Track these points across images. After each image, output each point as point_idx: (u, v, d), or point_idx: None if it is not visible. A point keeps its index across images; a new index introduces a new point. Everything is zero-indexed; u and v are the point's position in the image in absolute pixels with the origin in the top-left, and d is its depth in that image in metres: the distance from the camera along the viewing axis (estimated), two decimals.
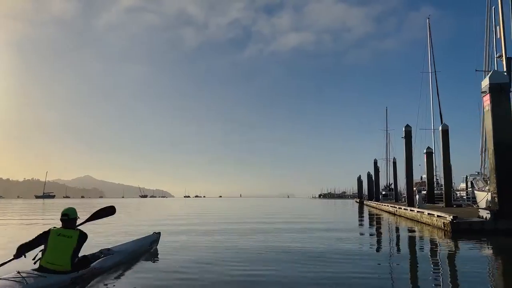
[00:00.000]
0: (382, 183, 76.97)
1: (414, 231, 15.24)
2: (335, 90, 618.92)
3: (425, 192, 36.63)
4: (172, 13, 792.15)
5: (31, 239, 5.84)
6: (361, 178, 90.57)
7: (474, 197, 35.81)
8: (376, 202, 42.96)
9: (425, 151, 35.11)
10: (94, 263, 6.30)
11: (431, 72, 45.89)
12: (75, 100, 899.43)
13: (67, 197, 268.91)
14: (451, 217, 12.89)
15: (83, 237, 5.94)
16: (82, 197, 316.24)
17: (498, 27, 25.97)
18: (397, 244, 12.09)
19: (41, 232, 5.89)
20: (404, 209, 22.80)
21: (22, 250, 5.71)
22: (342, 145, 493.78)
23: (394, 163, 46.24)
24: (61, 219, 6.04)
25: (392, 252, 10.18)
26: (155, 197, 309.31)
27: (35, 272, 5.33)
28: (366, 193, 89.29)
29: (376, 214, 28.02)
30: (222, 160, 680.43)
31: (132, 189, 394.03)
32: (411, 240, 12.61)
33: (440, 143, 24.29)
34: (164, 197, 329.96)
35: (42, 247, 5.77)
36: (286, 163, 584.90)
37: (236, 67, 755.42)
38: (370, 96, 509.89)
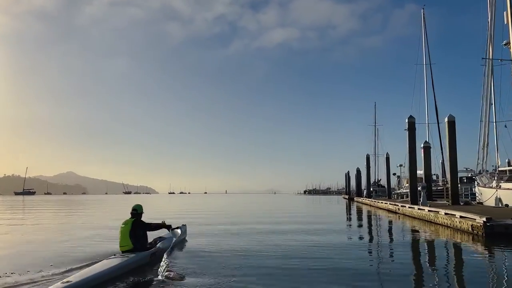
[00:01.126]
0: (370, 179, 75.60)
1: (432, 234, 13.19)
2: (321, 88, 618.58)
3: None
4: (157, 7, 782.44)
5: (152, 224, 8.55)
6: (349, 174, 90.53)
7: (473, 194, 34.39)
8: (369, 199, 41.02)
9: (422, 145, 33.31)
10: (157, 244, 8.36)
11: (425, 64, 44.25)
12: (58, 95, 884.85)
13: (48, 193, 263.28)
14: (484, 218, 10.82)
15: (137, 223, 7.70)
16: (64, 193, 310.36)
17: (505, 13, 24.48)
18: (423, 254, 10.02)
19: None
20: (409, 207, 20.82)
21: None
22: (327, 142, 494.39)
23: (387, 159, 44.45)
24: (131, 213, 7.89)
25: (425, 269, 8.08)
26: (139, 193, 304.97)
27: (121, 255, 7.13)
28: (354, 189, 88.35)
29: (374, 213, 26.03)
30: (207, 157, 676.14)
31: (116, 185, 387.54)
32: (440, 250, 10.38)
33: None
34: (148, 193, 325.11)
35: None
36: (271, 159, 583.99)
37: (222, 63, 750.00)
38: (357, 93, 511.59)
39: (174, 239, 9.54)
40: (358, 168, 71.31)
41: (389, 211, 26.09)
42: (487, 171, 36.93)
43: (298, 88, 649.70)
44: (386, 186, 65.98)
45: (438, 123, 42.02)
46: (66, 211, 33.03)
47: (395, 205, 24.62)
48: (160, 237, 9.21)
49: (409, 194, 23.94)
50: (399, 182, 68.43)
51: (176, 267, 6.98)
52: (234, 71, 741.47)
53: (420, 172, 50.29)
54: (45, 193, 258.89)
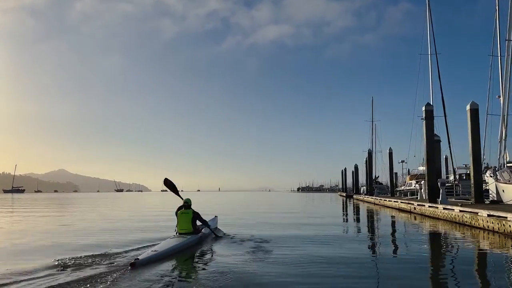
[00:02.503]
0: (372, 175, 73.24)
1: (480, 242, 10.63)
2: (315, 85, 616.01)
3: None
4: (149, 3, 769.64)
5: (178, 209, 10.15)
6: (346, 171, 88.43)
7: (487, 190, 32.01)
8: (373, 197, 38.45)
9: None
10: (202, 230, 10.37)
11: (430, 54, 41.72)
12: (50, 92, 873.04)
13: (38, 191, 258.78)
14: None
15: (195, 213, 9.98)
16: (55, 191, 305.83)
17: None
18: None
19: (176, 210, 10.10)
20: (429, 206, 18.30)
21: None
22: (320, 139, 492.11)
23: (390, 154, 41.97)
24: (183, 205, 10.08)
25: None
26: (132, 191, 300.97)
27: (181, 235, 9.40)
28: (351, 186, 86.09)
29: (385, 214, 23.50)
30: (200, 154, 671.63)
31: (108, 183, 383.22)
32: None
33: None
34: (141, 191, 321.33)
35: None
36: (264, 157, 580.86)
37: (215, 60, 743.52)
38: (351, 90, 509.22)
39: (213, 228, 11.16)
40: (356, 164, 69.11)
41: (400, 210, 23.59)
42: (494, 167, 34.70)
43: (291, 85, 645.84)
44: (384, 184, 64.25)
45: (445, 115, 39.59)
46: (48, 210, 30.19)
47: (408, 203, 22.09)
48: (201, 224, 10.56)
49: (426, 192, 21.33)
50: (397, 179, 66.72)
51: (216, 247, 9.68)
52: (227, 68, 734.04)
53: (422, 168, 48.16)
54: (35, 191, 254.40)
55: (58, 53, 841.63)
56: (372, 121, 78.69)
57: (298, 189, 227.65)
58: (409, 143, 43.02)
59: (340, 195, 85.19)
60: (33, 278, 6.22)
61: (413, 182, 45.98)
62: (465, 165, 36.35)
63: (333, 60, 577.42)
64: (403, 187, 48.45)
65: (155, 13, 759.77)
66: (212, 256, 8.55)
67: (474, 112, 19.50)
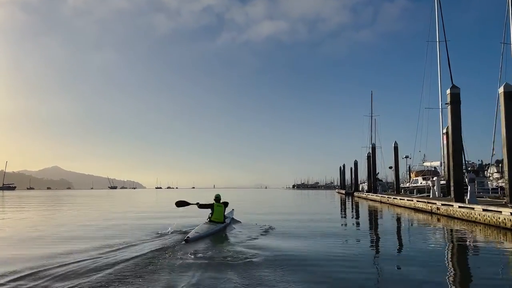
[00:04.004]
0: (365, 173, 70.39)
1: None
2: (311, 82, 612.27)
3: (443, 181, 29.74)
4: None
5: (207, 204, 12.45)
6: (345, 167, 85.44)
7: (485, 190, 29.35)
8: (379, 195, 35.37)
9: (444, 130, 27.98)
10: (226, 219, 12.64)
11: (439, 41, 38.75)
12: (43, 88, 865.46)
13: (31, 188, 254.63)
14: None
15: (225, 205, 12.69)
16: (48, 188, 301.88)
17: None
18: None
19: (210, 204, 12.30)
20: (459, 206, 15.32)
21: (200, 206, 12.37)
22: (316, 136, 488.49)
23: (396, 148, 39.00)
24: (214, 199, 12.37)
25: None
26: (126, 188, 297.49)
27: (212, 222, 11.68)
28: (349, 183, 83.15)
29: (400, 215, 20.49)
30: (195, 151, 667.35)
31: (102, 180, 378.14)
32: None
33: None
34: (135, 188, 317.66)
35: (208, 210, 12.34)
36: (259, 154, 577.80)
37: (209, 56, 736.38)
38: (347, 87, 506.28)
39: (231, 218, 14.09)
40: (355, 160, 66.21)
41: (416, 210, 20.60)
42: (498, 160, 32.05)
43: (287, 81, 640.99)
44: (384, 181, 61.41)
45: None
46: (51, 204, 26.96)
47: (428, 203, 19.10)
48: (224, 214, 12.69)
49: (451, 189, 18.26)
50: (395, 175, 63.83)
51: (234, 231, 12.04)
52: (221, 64, 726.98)
53: (428, 164, 45.25)
54: (27, 188, 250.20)
55: (50, 48, 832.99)
56: (372, 115, 76.05)
57: (294, 186, 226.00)
58: (408, 138, 40.52)
59: (339, 193, 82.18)
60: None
61: (419, 178, 43.21)
62: (468, 161, 33.79)
63: (329, 57, 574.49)
64: (408, 184, 45.61)
65: (149, 8, 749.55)
66: (234, 236, 10.92)
67: (509, 96, 16.49)
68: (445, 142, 28.25)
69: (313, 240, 10.24)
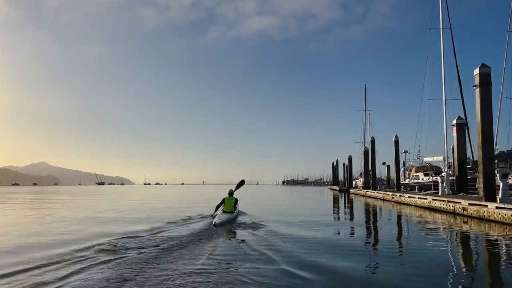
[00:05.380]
0: (356, 170, 67.99)
1: None
2: (301, 78, 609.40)
3: (453, 177, 27.13)
4: None
5: (220, 203, 14.84)
6: (338, 163, 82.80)
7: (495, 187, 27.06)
8: (383, 192, 32.49)
9: (455, 121, 25.34)
10: (236, 210, 14.91)
11: (443, 28, 36.14)
12: (29, 82, 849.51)
13: (16, 184, 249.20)
14: None
15: (236, 200, 15.04)
16: (34, 184, 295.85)
17: None
18: None
19: (222, 199, 14.87)
20: (497, 207, 12.54)
21: (217, 209, 14.75)
22: (305, 132, 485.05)
23: (396, 142, 36.36)
24: (228, 193, 15.20)
25: None
26: (114, 184, 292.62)
27: (225, 212, 14.08)
28: (342, 179, 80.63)
29: (420, 217, 17.73)
30: (184, 147, 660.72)
31: (90, 176, 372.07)
32: None
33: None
34: (123, 184, 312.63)
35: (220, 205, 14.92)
36: (249, 150, 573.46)
37: (198, 51, 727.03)
38: (338, 84, 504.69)
39: (238, 210, 15.66)
40: (350, 156, 63.71)
41: (433, 210, 17.87)
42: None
43: (277, 78, 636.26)
44: (378, 177, 58.86)
45: (462, 97, 34.20)
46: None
47: (449, 202, 16.34)
48: (235, 206, 15.07)
49: (481, 186, 15.44)
50: (389, 172, 61.45)
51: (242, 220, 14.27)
52: (210, 59, 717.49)
53: (429, 159, 42.51)
54: (12, 184, 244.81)
55: (37, 42, 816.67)
56: (365, 110, 73.50)
57: (283, 182, 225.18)
58: (403, 133, 37.72)
59: (331, 189, 79.60)
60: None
61: (421, 174, 40.63)
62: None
63: (320, 53, 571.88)
64: (407, 180, 43.02)
65: (137, 2, 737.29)
66: (244, 222, 13.48)
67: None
68: (455, 134, 25.57)
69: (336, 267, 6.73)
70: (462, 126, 25.41)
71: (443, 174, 26.24)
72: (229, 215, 13.75)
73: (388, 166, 60.03)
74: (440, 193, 24.24)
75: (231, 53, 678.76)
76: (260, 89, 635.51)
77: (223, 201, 14.76)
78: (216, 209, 14.76)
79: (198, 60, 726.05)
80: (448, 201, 16.40)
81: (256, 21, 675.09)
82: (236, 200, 15.19)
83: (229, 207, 14.53)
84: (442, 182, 24.95)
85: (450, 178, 26.00)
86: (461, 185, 24.76)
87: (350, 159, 63.23)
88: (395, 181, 38.33)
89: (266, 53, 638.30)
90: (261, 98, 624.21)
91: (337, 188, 70.76)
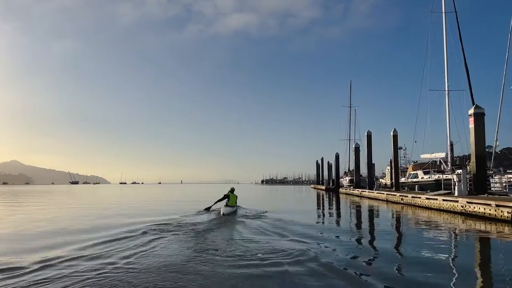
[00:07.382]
0: (342, 167, 64.72)
1: None
2: (280, 77, 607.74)
3: (468, 175, 23.64)
4: None
5: (222, 197, 17.75)
6: (322, 161, 79.22)
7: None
8: (386, 193, 28.56)
9: (471, 111, 21.83)
10: (237, 205, 17.72)
11: (445, 12, 32.82)
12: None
13: None
14: None
15: (236, 197, 17.78)
16: (5, 183, 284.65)
17: None
18: None
19: (225, 195, 17.61)
20: None
21: (216, 203, 17.90)
22: (283, 131, 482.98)
23: (395, 137, 32.67)
24: (230, 191, 17.71)
25: None
26: (89, 183, 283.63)
27: (228, 206, 16.73)
28: (326, 178, 77.15)
29: (447, 223, 13.95)
30: (160, 146, 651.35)
31: (64, 175, 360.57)
32: None
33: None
34: (98, 183, 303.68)
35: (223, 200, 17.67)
36: (226, 149, 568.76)
37: (175, 49, 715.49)
38: (318, 82, 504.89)
39: (237, 205, 17.98)
40: (337, 153, 60.18)
41: (468, 215, 14.10)
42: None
43: (255, 76, 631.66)
44: (364, 175, 55.22)
45: (470, 87, 30.83)
46: None
47: (486, 205, 12.53)
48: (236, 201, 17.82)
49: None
50: (374, 170, 58.06)
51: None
52: (188, 57, 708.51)
53: (427, 155, 38.72)
54: None
55: (7, 37, 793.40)
56: (350, 106, 70.24)
57: (262, 181, 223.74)
58: (388, 129, 34.02)
59: (315, 188, 76.18)
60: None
61: (420, 172, 37.19)
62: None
63: (300, 52, 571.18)
64: (403, 179, 39.53)
65: None
66: (243, 213, 16.20)
67: None
68: (472, 125, 22.06)
69: None
70: (480, 116, 21.85)
71: (460, 171, 22.65)
72: (232, 208, 16.65)
73: (374, 164, 56.91)
74: (456, 194, 20.70)
75: (209, 51, 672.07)
76: (238, 87, 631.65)
77: (226, 197, 17.55)
78: (216, 203, 17.92)
79: (175, 58, 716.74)
80: (486, 204, 12.59)
81: (235, 18, 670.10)
82: (237, 197, 18.01)
83: (233, 201, 17.35)
84: (459, 181, 21.39)
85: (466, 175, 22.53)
86: (480, 184, 21.27)
87: (337, 156, 59.91)
88: (393, 180, 34.60)
89: (244, 51, 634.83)
90: (239, 97, 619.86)
91: (322, 187, 67.27)
